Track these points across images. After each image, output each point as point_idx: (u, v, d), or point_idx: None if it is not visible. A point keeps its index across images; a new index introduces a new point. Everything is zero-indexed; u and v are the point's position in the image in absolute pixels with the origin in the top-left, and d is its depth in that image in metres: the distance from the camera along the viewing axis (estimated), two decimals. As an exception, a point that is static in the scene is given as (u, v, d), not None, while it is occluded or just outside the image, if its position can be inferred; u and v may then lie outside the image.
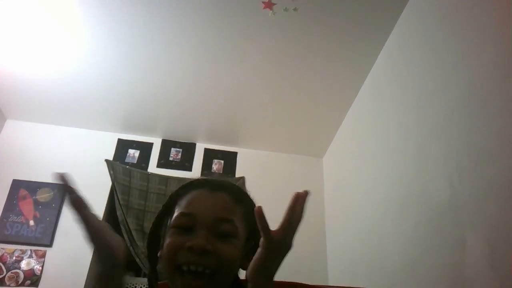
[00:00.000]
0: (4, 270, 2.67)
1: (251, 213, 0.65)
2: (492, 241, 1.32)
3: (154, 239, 0.80)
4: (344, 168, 3.00)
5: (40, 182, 2.94)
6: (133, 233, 2.83)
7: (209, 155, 3.36)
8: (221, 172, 3.30)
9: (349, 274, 2.62)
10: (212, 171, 3.29)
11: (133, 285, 2.89)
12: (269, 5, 2.13)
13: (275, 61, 2.59)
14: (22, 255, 2.72)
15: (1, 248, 2.73)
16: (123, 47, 2.53)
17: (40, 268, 2.70)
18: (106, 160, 3.12)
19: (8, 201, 2.88)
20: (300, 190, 0.66)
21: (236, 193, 0.80)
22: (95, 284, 0.67)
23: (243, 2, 2.20)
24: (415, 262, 1.78)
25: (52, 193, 2.92)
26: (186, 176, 3.08)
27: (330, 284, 2.80)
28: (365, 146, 2.60)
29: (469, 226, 1.44)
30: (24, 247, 2.75)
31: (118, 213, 2.91)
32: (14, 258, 2.71)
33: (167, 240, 0.73)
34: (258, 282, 0.64)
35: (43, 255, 2.74)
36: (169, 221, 0.77)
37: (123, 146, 3.28)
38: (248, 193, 0.85)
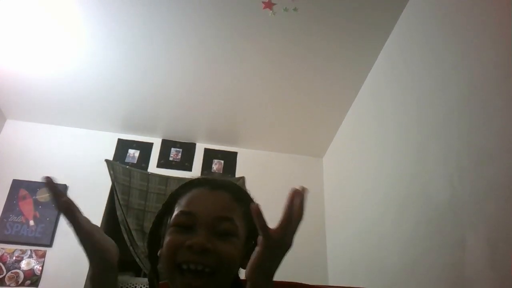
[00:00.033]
0: (4, 270, 2.67)
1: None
2: (492, 241, 1.32)
3: (154, 238, 0.80)
4: (344, 168, 3.00)
5: (40, 182, 2.91)
6: (133, 233, 2.83)
7: (209, 155, 3.37)
8: (221, 172, 3.31)
9: (349, 274, 2.62)
10: (212, 171, 3.29)
11: (133, 285, 2.89)
12: (269, 5, 2.13)
13: (275, 61, 2.59)
14: (22, 255, 2.72)
15: (1, 248, 2.73)
16: (123, 47, 2.53)
17: (40, 268, 2.70)
18: (106, 160, 3.12)
19: (8, 201, 2.88)
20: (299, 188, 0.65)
21: (236, 192, 0.80)
22: (89, 286, 0.67)
23: (243, 2, 2.20)
24: (415, 262, 1.78)
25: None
26: (186, 176, 3.08)
27: (330, 284, 2.80)
28: (365, 146, 2.60)
29: (469, 226, 1.44)
30: (24, 247, 2.75)
31: (118, 213, 2.91)
32: (14, 258, 2.71)
33: (167, 239, 0.73)
34: (257, 281, 0.63)
35: (43, 255, 2.74)
36: (169, 220, 0.77)
37: (123, 146, 3.28)
38: (248, 192, 0.85)
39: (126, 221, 2.88)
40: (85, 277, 2.68)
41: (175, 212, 0.76)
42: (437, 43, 1.84)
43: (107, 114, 3.14)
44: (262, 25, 2.32)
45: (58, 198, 0.61)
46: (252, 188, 1.01)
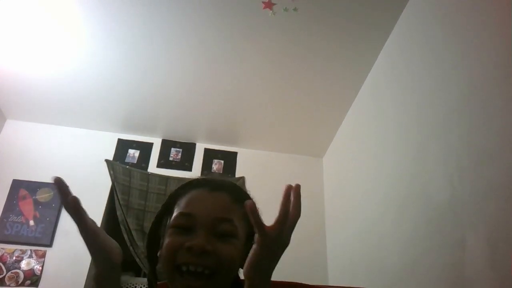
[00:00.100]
0: (4, 270, 2.67)
1: None
2: (492, 241, 1.32)
3: (153, 239, 0.80)
4: (344, 168, 3.00)
5: (40, 182, 2.94)
6: (133, 233, 2.83)
7: (209, 155, 3.37)
8: (221, 172, 3.31)
9: (349, 274, 2.62)
10: (212, 171, 3.29)
11: (133, 285, 2.89)
12: (269, 5, 2.13)
13: (275, 61, 2.59)
14: (22, 255, 2.72)
15: (1, 248, 2.73)
16: (123, 47, 2.53)
17: (40, 268, 2.70)
18: (106, 160, 3.12)
19: (8, 201, 2.88)
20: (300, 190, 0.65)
21: (236, 192, 0.79)
22: (92, 286, 0.68)
23: (243, 2, 2.20)
24: (415, 262, 1.78)
25: (52, 193, 2.91)
26: (186, 176, 3.08)
27: (330, 284, 2.80)
28: (365, 146, 2.60)
29: (469, 226, 1.44)
30: (24, 247, 2.75)
31: (118, 213, 2.91)
32: (14, 258, 2.71)
33: (166, 240, 0.73)
34: (254, 280, 0.63)
35: (43, 255, 2.74)
36: (168, 221, 0.77)
37: (123, 146, 3.28)
38: (248, 192, 0.84)
39: (126, 221, 2.88)
40: (85, 277, 2.68)
41: (175, 213, 0.76)
42: (437, 43, 1.84)
43: (107, 114, 3.14)
44: (262, 25, 2.32)
45: (65, 198, 0.62)
46: (252, 188, 1.01)
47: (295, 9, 2.13)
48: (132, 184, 3.05)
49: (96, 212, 2.84)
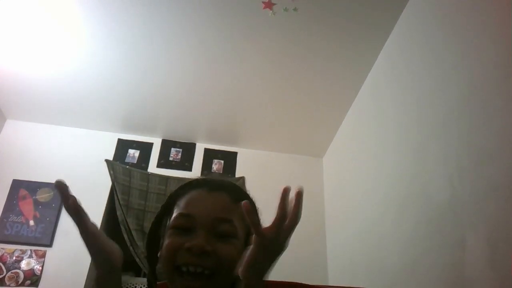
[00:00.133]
0: (4, 270, 2.67)
1: None
2: (492, 241, 1.32)
3: (153, 239, 0.80)
4: (344, 168, 3.00)
5: (40, 182, 2.94)
6: (133, 233, 2.83)
7: (209, 155, 3.37)
8: (221, 172, 3.31)
9: (349, 274, 2.62)
10: (212, 171, 3.29)
11: (133, 285, 2.89)
12: (269, 5, 2.13)
13: (275, 61, 2.59)
14: (22, 255, 2.72)
15: (1, 248, 2.73)
16: (123, 47, 2.53)
17: (40, 268, 2.70)
18: (106, 160, 3.12)
19: (8, 201, 2.88)
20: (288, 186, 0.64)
21: (236, 192, 0.79)
22: (93, 287, 0.68)
23: (243, 2, 2.20)
24: (415, 262, 1.78)
25: (52, 193, 2.91)
26: (186, 176, 3.08)
27: (330, 284, 2.80)
28: (365, 146, 2.60)
29: (469, 226, 1.44)
30: (24, 247, 2.75)
31: (118, 213, 2.91)
32: (14, 258, 2.71)
33: (166, 241, 0.73)
34: (251, 280, 0.63)
35: (43, 255, 2.74)
36: (168, 222, 0.77)
37: (123, 146, 3.28)
38: (248, 192, 0.84)
39: (126, 221, 2.88)
40: (85, 277, 2.68)
41: (174, 214, 0.76)
42: (437, 43, 1.84)
43: (107, 114, 3.14)
44: (262, 25, 2.32)
45: (66, 200, 0.63)
46: (252, 188, 1.01)
47: (295, 9, 2.13)
48: (132, 184, 3.05)
49: (96, 212, 2.84)
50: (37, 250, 2.75)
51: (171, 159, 3.29)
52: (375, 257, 2.23)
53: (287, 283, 1.09)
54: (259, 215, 0.73)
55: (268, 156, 3.43)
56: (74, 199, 0.64)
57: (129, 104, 3.04)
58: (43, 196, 2.92)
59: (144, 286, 2.88)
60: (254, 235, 0.63)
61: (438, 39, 1.84)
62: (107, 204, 2.98)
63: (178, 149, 3.34)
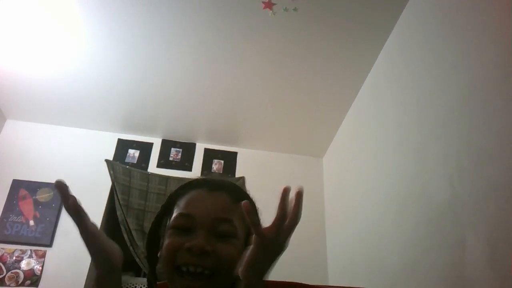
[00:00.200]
0: (4, 270, 2.67)
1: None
2: (492, 241, 1.32)
3: (153, 239, 0.80)
4: (344, 168, 3.00)
5: (40, 182, 2.94)
6: (133, 233, 2.83)
7: (209, 155, 3.37)
8: (221, 172, 3.31)
9: (349, 274, 2.62)
10: (212, 171, 3.29)
11: (133, 285, 2.89)
12: (269, 5, 2.13)
13: (275, 61, 2.59)
14: (22, 255, 2.72)
15: (1, 248, 2.73)
16: (123, 47, 2.53)
17: (40, 268, 2.70)
18: (106, 160, 3.12)
19: (8, 201, 2.88)
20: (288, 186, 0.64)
21: (235, 192, 0.79)
22: (93, 287, 0.69)
23: (243, 2, 2.20)
24: (415, 262, 1.78)
25: (52, 193, 2.92)
26: (186, 176, 3.08)
27: (330, 284, 2.80)
28: (365, 146, 2.60)
29: (469, 226, 1.44)
30: (24, 247, 2.75)
31: (118, 213, 2.91)
32: (14, 258, 2.71)
33: (166, 241, 0.73)
34: (251, 280, 0.63)
35: (43, 255, 2.74)
36: (168, 222, 0.77)
37: (123, 146, 3.28)
38: (248, 192, 0.84)
39: (126, 221, 2.88)
40: (85, 277, 2.68)
41: (174, 214, 0.76)
42: (437, 43, 1.84)
43: (107, 114, 3.14)
44: (262, 25, 2.32)
45: (66, 200, 0.63)
46: (252, 188, 1.01)
47: (295, 9, 2.13)
48: (132, 184, 3.05)
49: (96, 212, 2.84)
50: (37, 250, 2.75)
51: (171, 159, 3.29)
52: (375, 257, 2.23)
53: (287, 283, 1.09)
54: (259, 215, 0.73)
55: (268, 156, 3.43)
56: (74, 199, 0.64)
57: (129, 104, 3.04)
58: (43, 196, 2.92)
59: (144, 286, 2.88)
60: (254, 235, 0.63)
61: (438, 39, 1.85)
62: (107, 204, 2.98)
63: (178, 149, 3.34)
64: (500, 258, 1.27)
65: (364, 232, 2.42)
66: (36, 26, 2.40)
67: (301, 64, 2.60)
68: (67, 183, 0.64)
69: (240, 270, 0.64)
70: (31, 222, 2.83)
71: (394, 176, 2.13)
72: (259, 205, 0.78)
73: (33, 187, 2.93)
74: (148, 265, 0.81)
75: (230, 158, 3.37)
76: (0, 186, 2.91)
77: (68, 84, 2.83)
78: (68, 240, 2.71)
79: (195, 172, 3.23)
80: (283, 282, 1.05)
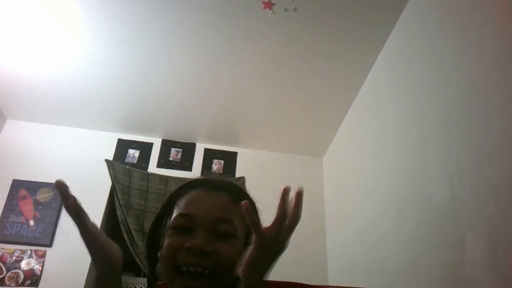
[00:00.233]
0: (4, 270, 2.67)
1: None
2: (492, 241, 1.32)
3: (153, 239, 0.80)
4: (344, 168, 3.00)
5: (40, 182, 2.94)
6: (133, 233, 2.83)
7: (209, 155, 3.37)
8: (221, 172, 3.31)
9: (349, 274, 2.62)
10: (212, 171, 3.29)
11: (133, 285, 2.89)
12: (269, 5, 2.13)
13: (275, 61, 2.59)
14: (22, 255, 2.72)
15: (1, 248, 2.73)
16: (123, 47, 2.53)
17: (40, 268, 2.70)
18: (106, 160, 3.12)
19: (8, 201, 2.88)
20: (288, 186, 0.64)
21: (235, 192, 0.79)
22: (93, 287, 0.69)
23: (243, 2, 2.20)
24: (415, 262, 1.78)
25: (52, 193, 2.92)
26: (186, 176, 3.08)
27: (330, 284, 2.80)
28: (365, 146, 2.60)
29: (469, 226, 1.44)
30: (24, 247, 2.75)
31: (118, 213, 2.91)
32: (14, 258, 2.71)
33: (166, 241, 0.73)
34: (251, 280, 0.63)
35: (43, 255, 2.74)
36: (168, 222, 0.77)
37: (123, 146, 3.28)
38: (248, 192, 0.84)
39: (126, 221, 2.88)
40: (85, 277, 2.68)
41: (174, 214, 0.76)
42: (437, 43, 1.84)
43: (107, 114, 3.14)
44: (262, 25, 2.32)
45: (66, 200, 0.64)
46: (252, 188, 1.01)
47: (295, 9, 2.13)
48: (132, 184, 3.05)
49: (96, 212, 2.84)
50: (37, 250, 2.75)
51: (171, 159, 3.29)
52: (375, 257, 2.23)
53: (287, 283, 1.09)
54: (259, 215, 0.73)
55: (268, 156, 3.43)
56: (74, 199, 0.64)
57: (129, 104, 3.04)
58: (43, 196, 2.92)
59: (144, 286, 2.88)
60: (254, 235, 0.63)
61: (438, 39, 1.85)
62: (107, 204, 2.98)
63: (178, 149, 3.34)
64: (500, 258, 1.27)
65: (364, 232, 2.42)
66: (36, 26, 2.40)
67: (301, 64, 2.60)
68: (67, 183, 0.64)
69: (240, 270, 0.64)
70: (31, 222, 2.83)
71: (394, 176, 2.13)
72: (259, 205, 0.78)
73: (33, 187, 2.93)
74: (148, 265, 0.81)
75: (230, 158, 3.37)
76: (0, 186, 2.91)
77: (68, 84, 2.83)
78: (68, 240, 2.71)
79: (195, 172, 3.23)
80: (283, 282, 1.05)
